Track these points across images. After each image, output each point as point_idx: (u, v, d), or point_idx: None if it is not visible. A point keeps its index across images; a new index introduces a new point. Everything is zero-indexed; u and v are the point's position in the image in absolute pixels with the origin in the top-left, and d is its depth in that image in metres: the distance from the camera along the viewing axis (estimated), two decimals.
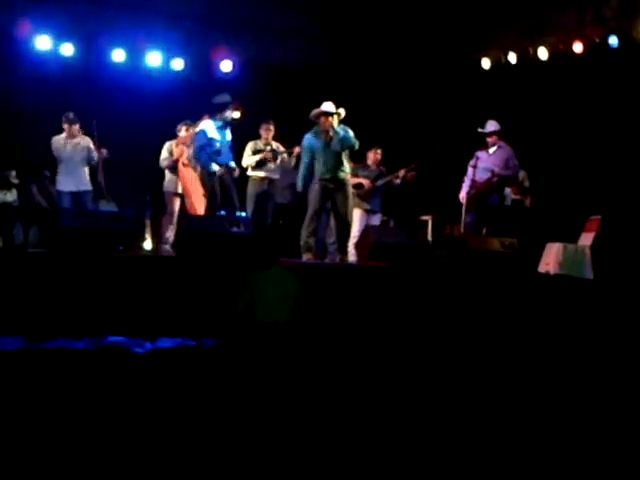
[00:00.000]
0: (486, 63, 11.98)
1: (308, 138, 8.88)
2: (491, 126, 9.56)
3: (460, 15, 11.43)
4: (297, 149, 9.67)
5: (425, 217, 10.21)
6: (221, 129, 8.95)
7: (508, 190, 10.84)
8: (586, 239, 9.39)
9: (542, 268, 9.03)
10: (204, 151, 8.84)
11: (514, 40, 11.62)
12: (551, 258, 9.06)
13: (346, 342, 6.23)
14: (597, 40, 10.60)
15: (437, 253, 8.92)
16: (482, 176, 9.38)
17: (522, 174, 11.04)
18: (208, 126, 8.92)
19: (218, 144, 8.89)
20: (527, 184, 11.12)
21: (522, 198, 11.11)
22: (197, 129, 9.03)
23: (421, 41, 11.87)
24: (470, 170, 9.47)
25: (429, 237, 9.82)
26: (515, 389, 5.04)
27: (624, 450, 4.18)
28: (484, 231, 9.40)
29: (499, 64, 11.82)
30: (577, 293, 7.86)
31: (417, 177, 10.14)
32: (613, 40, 10.40)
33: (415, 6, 11.27)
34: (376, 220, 10.34)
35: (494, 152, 9.51)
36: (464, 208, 9.41)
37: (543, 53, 11.17)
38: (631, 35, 10.17)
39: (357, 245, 9.15)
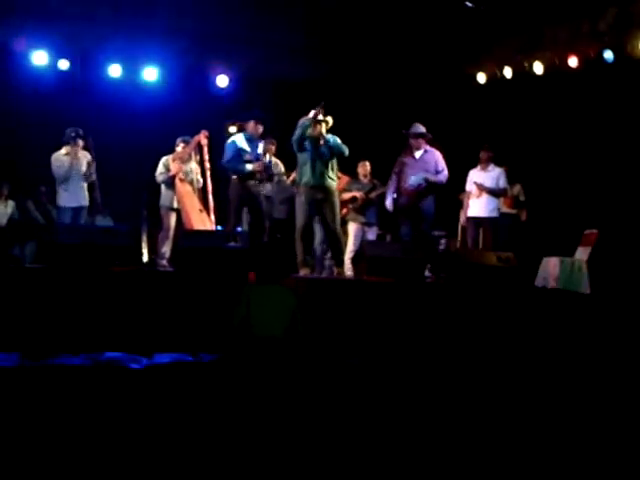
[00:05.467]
0: (481, 77, 12.03)
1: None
2: (417, 128, 9.34)
3: (455, 30, 11.46)
4: (293, 175, 9.63)
5: None
6: (251, 141, 9.07)
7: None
8: (583, 253, 9.37)
9: (539, 282, 9.02)
10: (233, 160, 8.95)
11: (509, 55, 11.66)
12: (548, 272, 9.05)
13: (343, 357, 6.22)
14: (592, 55, 10.63)
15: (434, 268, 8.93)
16: (411, 183, 9.15)
17: (517, 188, 11.06)
18: (238, 138, 9.11)
19: (247, 155, 8.99)
20: (523, 198, 11.13)
21: (518, 212, 11.13)
22: (228, 141, 9.17)
23: (416, 55, 11.91)
24: (394, 177, 9.24)
25: None
26: (512, 403, 5.04)
27: (621, 462, 4.18)
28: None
29: (494, 78, 11.86)
30: (574, 307, 7.85)
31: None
32: (608, 55, 10.43)
33: (410, 20, 11.30)
34: (372, 233, 10.34)
35: (421, 157, 9.27)
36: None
37: (538, 68, 11.20)
38: (626, 50, 10.21)
39: (354, 260, 9.13)
